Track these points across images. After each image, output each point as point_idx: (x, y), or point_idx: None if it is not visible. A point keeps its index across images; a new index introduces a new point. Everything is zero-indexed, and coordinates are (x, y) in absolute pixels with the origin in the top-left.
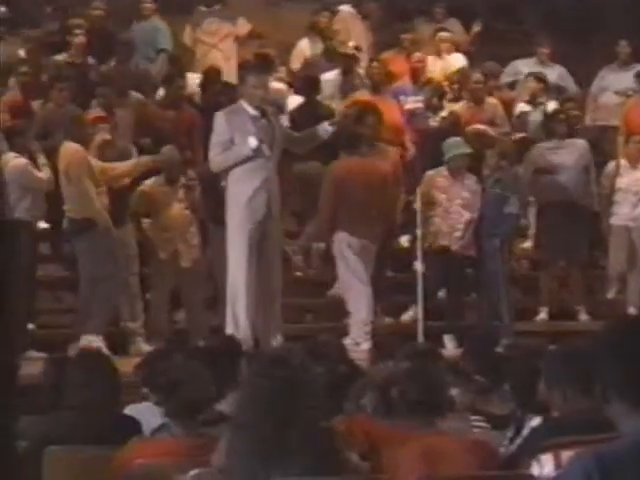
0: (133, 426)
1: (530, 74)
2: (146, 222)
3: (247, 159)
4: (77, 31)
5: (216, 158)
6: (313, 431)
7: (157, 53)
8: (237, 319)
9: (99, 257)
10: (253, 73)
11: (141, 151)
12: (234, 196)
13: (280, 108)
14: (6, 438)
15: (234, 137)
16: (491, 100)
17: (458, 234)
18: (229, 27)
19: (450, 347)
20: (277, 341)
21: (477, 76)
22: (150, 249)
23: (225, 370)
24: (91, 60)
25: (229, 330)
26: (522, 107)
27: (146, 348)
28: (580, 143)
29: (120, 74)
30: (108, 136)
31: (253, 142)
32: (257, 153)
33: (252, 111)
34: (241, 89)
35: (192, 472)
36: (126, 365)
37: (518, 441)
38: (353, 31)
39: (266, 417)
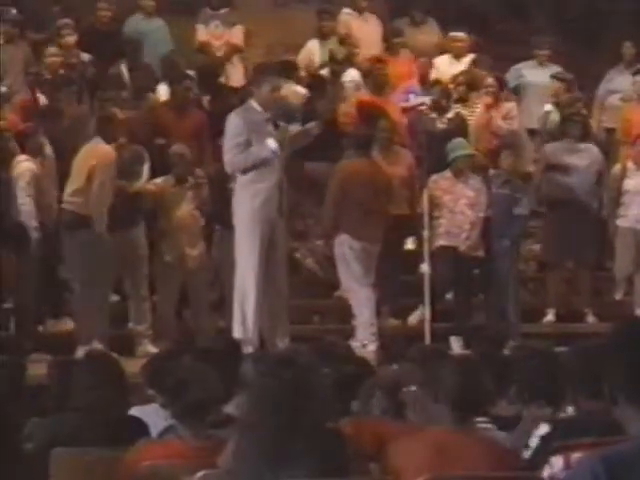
0: (140, 428)
1: (552, 76)
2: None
3: (266, 161)
4: (65, 31)
5: (235, 159)
6: (320, 432)
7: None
8: (245, 320)
9: (88, 258)
10: (272, 76)
11: (150, 153)
12: (245, 197)
13: (296, 113)
14: (14, 439)
15: (251, 138)
16: (507, 104)
17: (465, 234)
18: (228, 33)
19: (456, 348)
20: (284, 343)
21: (489, 81)
22: (157, 250)
23: (231, 372)
24: (87, 59)
25: (236, 331)
26: (547, 107)
27: (153, 350)
28: (594, 149)
29: (136, 75)
30: (124, 139)
31: (273, 144)
32: (275, 155)
33: (264, 113)
34: (255, 91)
35: (199, 474)
36: (133, 367)
37: (528, 453)
38: (359, 33)
39: (273, 418)
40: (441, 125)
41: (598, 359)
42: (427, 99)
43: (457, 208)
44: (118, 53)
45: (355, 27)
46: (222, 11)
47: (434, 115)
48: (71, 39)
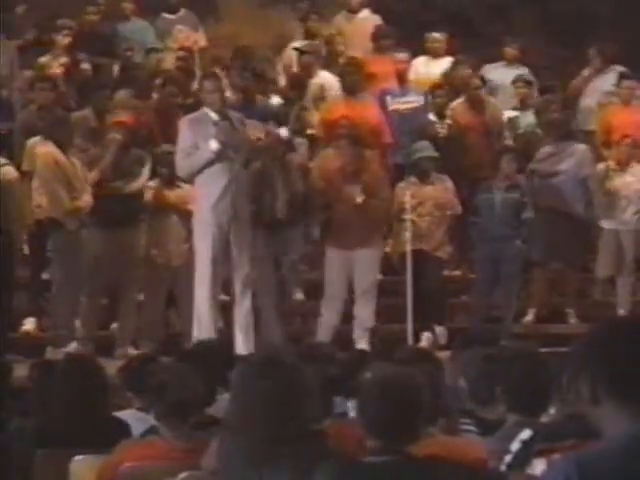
0: (122, 429)
1: (518, 78)
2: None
3: (210, 162)
4: (65, 32)
5: (180, 163)
6: (305, 434)
7: (147, 53)
8: (200, 319)
9: (64, 259)
10: (208, 78)
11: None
12: (199, 200)
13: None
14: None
15: (198, 142)
16: (491, 99)
17: (432, 235)
18: (194, 34)
19: (425, 344)
20: (245, 345)
21: (476, 82)
22: (147, 251)
23: (216, 373)
24: (84, 62)
25: (194, 332)
26: (510, 113)
27: (133, 351)
28: (580, 148)
29: (140, 75)
30: (119, 136)
31: (214, 145)
32: (220, 156)
33: (214, 116)
34: (202, 94)
35: (181, 475)
36: (113, 368)
37: (509, 458)
38: (350, 34)
39: (259, 419)
40: (442, 130)
41: (580, 359)
42: (409, 102)
43: (424, 211)
44: (110, 54)
45: (346, 29)
46: (180, 13)
47: (433, 118)
48: (69, 40)
